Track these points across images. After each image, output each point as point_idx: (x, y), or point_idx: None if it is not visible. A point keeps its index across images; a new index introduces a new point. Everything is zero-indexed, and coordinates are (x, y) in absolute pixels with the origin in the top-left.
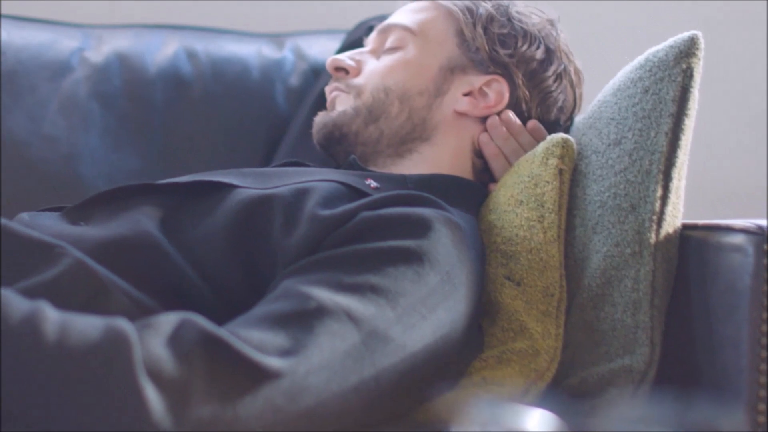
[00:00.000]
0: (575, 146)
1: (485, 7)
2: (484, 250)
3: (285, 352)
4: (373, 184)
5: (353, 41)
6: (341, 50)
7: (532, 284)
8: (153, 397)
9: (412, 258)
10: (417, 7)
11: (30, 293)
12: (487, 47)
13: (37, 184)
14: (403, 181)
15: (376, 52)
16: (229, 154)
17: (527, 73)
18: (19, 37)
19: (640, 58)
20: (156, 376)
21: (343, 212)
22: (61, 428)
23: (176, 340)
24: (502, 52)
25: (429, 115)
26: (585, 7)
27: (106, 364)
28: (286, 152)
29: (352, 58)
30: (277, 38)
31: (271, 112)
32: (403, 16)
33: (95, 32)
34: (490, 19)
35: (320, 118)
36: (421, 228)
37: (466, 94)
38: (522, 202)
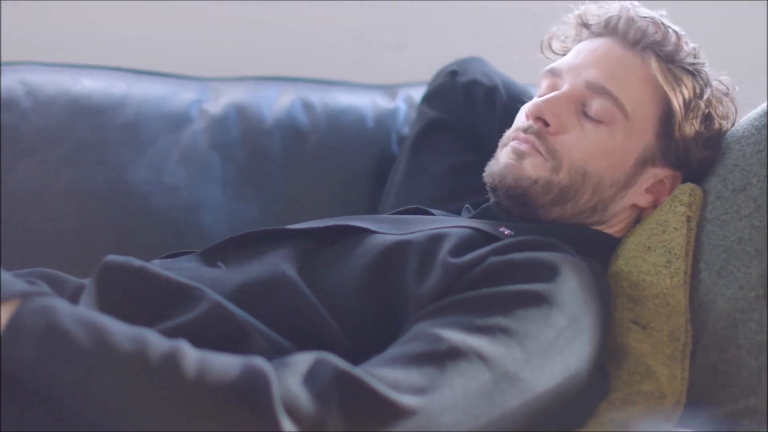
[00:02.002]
0: (702, 194)
1: (706, 99)
2: (610, 295)
3: (419, 391)
4: (507, 231)
5: (436, 87)
6: (426, 97)
7: (659, 328)
8: None
9: (541, 301)
10: (631, 72)
11: (170, 334)
12: (691, 147)
13: (160, 232)
14: (535, 228)
15: (576, 103)
16: (345, 202)
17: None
18: (138, 90)
19: (763, 106)
20: (293, 413)
21: (472, 258)
22: None
23: (312, 378)
24: (702, 155)
25: (611, 205)
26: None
27: (245, 401)
28: (393, 197)
29: (555, 114)
30: (389, 89)
31: (386, 161)
32: (616, 77)
33: (211, 84)
34: (706, 118)
35: (507, 168)
36: (549, 272)
37: (647, 188)
38: (650, 248)
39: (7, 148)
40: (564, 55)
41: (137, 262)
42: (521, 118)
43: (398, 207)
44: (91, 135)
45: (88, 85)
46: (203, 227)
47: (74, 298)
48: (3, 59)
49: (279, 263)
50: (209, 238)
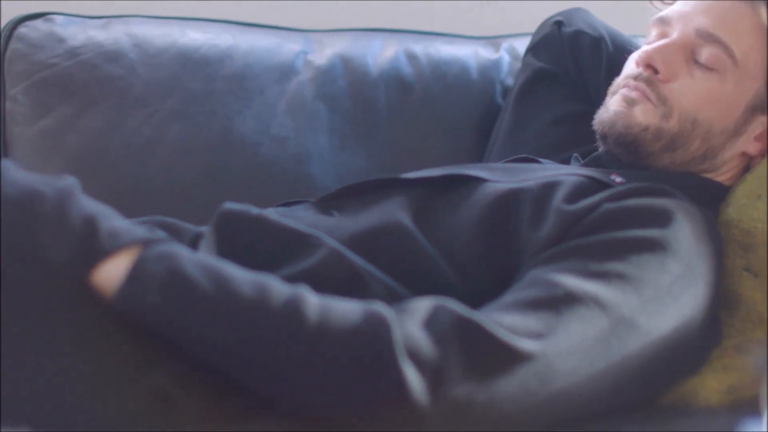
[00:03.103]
0: None
1: None
2: (722, 242)
3: (536, 336)
4: (618, 179)
5: (541, 38)
6: (531, 48)
7: None
8: (412, 377)
9: (656, 247)
10: (741, 20)
11: (288, 281)
12: None
13: (269, 183)
14: (646, 176)
15: (686, 50)
16: (450, 153)
17: None
18: (244, 42)
19: None
20: (414, 358)
21: (586, 205)
22: (322, 407)
23: (432, 323)
24: None
25: (721, 153)
26: None
27: (367, 345)
28: (499, 147)
29: (665, 61)
30: (492, 40)
31: (490, 111)
32: (726, 25)
33: (315, 36)
34: None
35: (617, 115)
36: (663, 218)
37: (756, 137)
38: (760, 196)
39: (117, 100)
40: (672, 3)
41: (255, 210)
42: (630, 66)
43: (504, 157)
44: (199, 87)
45: (195, 37)
46: (311, 177)
47: (192, 246)
48: (110, 12)
49: (394, 211)
50: (317, 188)
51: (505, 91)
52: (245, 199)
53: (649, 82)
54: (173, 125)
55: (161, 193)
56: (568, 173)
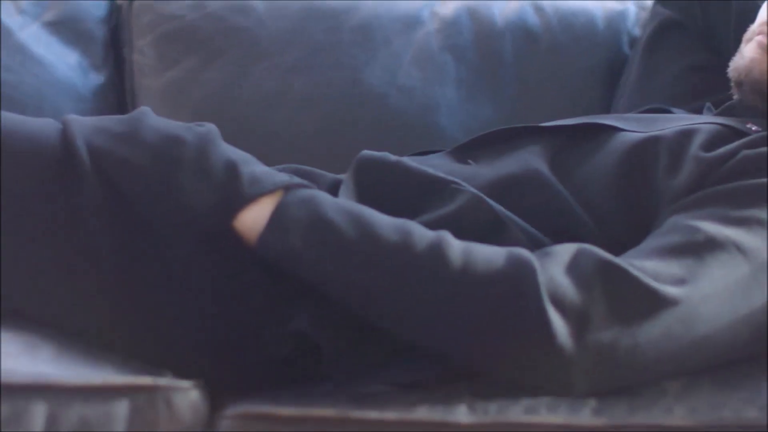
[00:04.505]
0: None
1: None
2: None
3: (679, 281)
4: (754, 127)
5: None
6: None
7: None
8: (556, 321)
9: None
10: None
11: (431, 226)
12: None
13: (397, 133)
14: None
15: None
16: (577, 103)
17: None
18: None
19: None
20: (558, 302)
21: (724, 152)
22: (466, 350)
23: (575, 267)
24: None
25: None
26: None
27: (512, 289)
28: (627, 98)
29: None
30: None
31: (618, 62)
32: None
33: None
34: None
35: (753, 62)
36: None
37: None
38: None
39: (244, 52)
40: None
41: (393, 157)
42: (764, 14)
43: (632, 108)
44: (325, 38)
45: None
46: (439, 128)
47: (330, 193)
48: None
49: (530, 160)
50: (445, 139)
51: (632, 41)
52: (373, 149)
53: None
54: (299, 76)
55: (287, 144)
56: (703, 122)
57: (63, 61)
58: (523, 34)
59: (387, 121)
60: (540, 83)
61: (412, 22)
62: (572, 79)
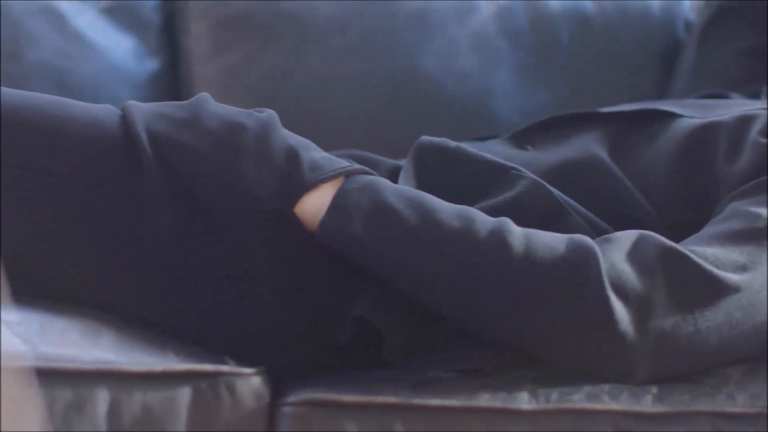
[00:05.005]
0: None
1: None
2: None
3: (740, 268)
4: None
5: None
6: None
7: None
8: (618, 308)
9: None
10: None
11: (491, 212)
12: None
13: (452, 119)
14: None
15: None
16: (631, 88)
17: None
18: None
19: None
20: (619, 289)
21: None
22: (527, 336)
23: (636, 254)
24: None
25: None
26: None
27: (574, 276)
28: (683, 83)
29: None
30: None
31: (673, 47)
32: None
33: None
34: None
35: None
36: None
37: None
38: None
39: (299, 36)
40: None
41: (452, 143)
42: None
43: (689, 93)
44: (380, 23)
45: None
46: (495, 113)
47: (389, 178)
48: None
49: (590, 145)
50: (501, 124)
51: (688, 26)
52: (428, 134)
53: None
54: (354, 61)
55: (343, 130)
56: (762, 107)
57: (119, 48)
58: (578, 18)
59: (442, 106)
60: (595, 68)
61: (467, 8)
62: (627, 65)
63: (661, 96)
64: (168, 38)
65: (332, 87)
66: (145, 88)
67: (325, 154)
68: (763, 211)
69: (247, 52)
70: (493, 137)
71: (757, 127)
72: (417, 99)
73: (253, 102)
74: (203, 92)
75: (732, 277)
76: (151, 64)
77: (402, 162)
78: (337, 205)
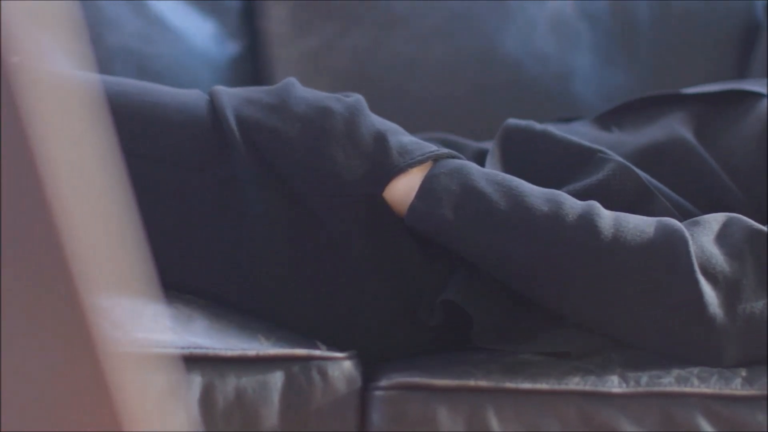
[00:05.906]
0: None
1: None
2: None
3: None
4: None
5: None
6: None
7: None
8: (708, 292)
9: None
10: None
11: (578, 196)
12: None
13: (532, 101)
14: None
15: None
16: (712, 69)
17: None
18: None
19: None
20: (708, 272)
21: None
22: (618, 320)
23: (725, 237)
24: None
25: None
26: None
27: (664, 259)
28: (765, 62)
29: None
30: None
31: (753, 27)
32: None
33: None
34: None
35: None
36: None
37: None
38: None
39: (380, 18)
40: None
41: (539, 126)
42: None
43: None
44: (460, 4)
45: None
46: (574, 95)
47: (476, 162)
48: None
49: (675, 127)
50: (581, 106)
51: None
52: (510, 116)
53: None
54: (436, 43)
55: (426, 112)
56: None
57: (199, 31)
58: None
59: (522, 88)
60: (674, 50)
61: None
62: (707, 45)
63: (741, 76)
64: (248, 21)
65: (414, 69)
66: (225, 72)
67: (412, 138)
68: None
69: (327, 34)
70: (577, 119)
71: None
72: (496, 81)
73: (334, 85)
74: (290, 77)
75: None
76: (232, 48)
77: (487, 145)
78: (426, 189)
